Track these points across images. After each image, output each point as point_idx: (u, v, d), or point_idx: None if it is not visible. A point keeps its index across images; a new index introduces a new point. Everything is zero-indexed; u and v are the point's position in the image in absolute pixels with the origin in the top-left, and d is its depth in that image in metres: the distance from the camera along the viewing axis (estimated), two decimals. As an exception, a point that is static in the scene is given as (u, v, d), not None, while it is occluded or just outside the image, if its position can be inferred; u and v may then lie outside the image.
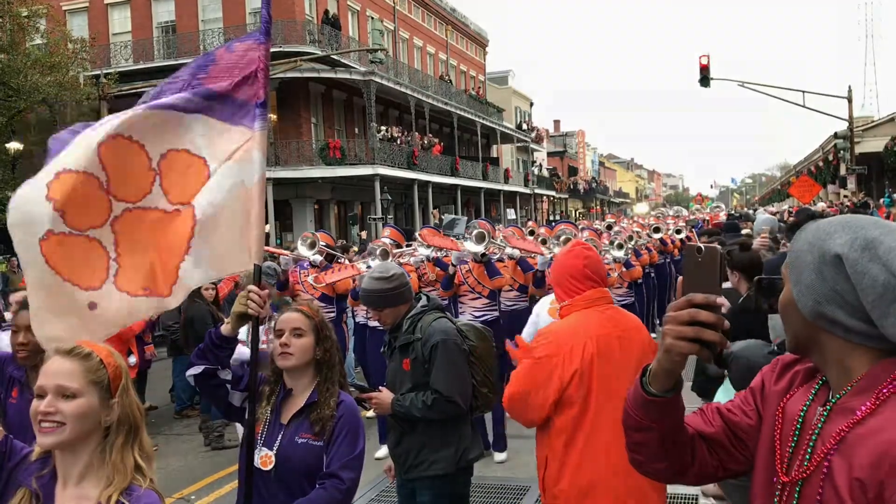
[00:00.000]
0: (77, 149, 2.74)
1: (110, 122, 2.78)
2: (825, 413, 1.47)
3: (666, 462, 1.67)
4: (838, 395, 1.47)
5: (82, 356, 2.02)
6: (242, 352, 3.75)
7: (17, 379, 3.55)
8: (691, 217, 24.87)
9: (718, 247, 1.53)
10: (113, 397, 2.03)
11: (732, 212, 32.24)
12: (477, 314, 7.37)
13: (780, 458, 1.53)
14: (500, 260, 7.79)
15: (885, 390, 1.40)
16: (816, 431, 1.47)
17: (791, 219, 12.43)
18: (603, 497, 3.17)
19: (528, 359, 3.26)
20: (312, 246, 8.18)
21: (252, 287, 2.83)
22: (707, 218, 25.29)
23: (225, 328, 2.88)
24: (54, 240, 2.63)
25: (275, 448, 2.88)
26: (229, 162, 2.80)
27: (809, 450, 1.47)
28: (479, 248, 7.34)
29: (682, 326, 1.47)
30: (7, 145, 19.94)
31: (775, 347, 3.46)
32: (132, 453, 2.02)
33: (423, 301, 3.92)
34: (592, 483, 3.17)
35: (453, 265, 7.53)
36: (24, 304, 3.88)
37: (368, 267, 7.26)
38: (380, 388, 3.86)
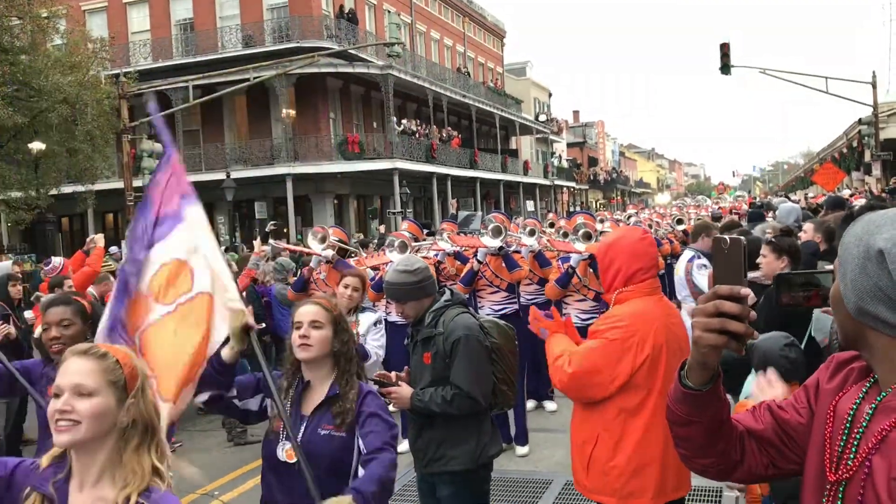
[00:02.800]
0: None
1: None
2: (870, 411, 1.45)
3: (712, 458, 1.66)
4: (884, 393, 1.45)
5: (99, 356, 2.02)
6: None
7: (52, 379, 3.60)
8: (715, 207, 24.63)
9: (742, 238, 1.52)
10: (129, 398, 2.02)
11: (756, 199, 31.91)
12: (496, 308, 7.35)
13: (829, 456, 1.51)
14: (518, 251, 7.75)
15: None
16: (861, 430, 1.45)
17: (814, 206, 12.25)
18: (653, 473, 3.36)
19: (599, 339, 3.37)
20: (323, 240, 8.15)
21: (240, 306, 2.86)
22: (729, 207, 25.04)
23: (226, 353, 2.91)
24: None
25: (298, 440, 2.89)
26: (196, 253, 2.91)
27: (854, 449, 1.44)
28: (497, 242, 7.30)
29: (708, 318, 1.46)
30: (30, 145, 20.13)
31: (794, 340, 3.40)
32: (149, 455, 2.01)
33: (447, 296, 3.91)
34: (650, 460, 3.35)
35: (478, 261, 7.50)
36: (53, 302, 3.93)
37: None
38: (399, 382, 3.86)
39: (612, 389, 3.34)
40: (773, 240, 4.83)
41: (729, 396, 2.20)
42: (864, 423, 1.44)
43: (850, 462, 1.44)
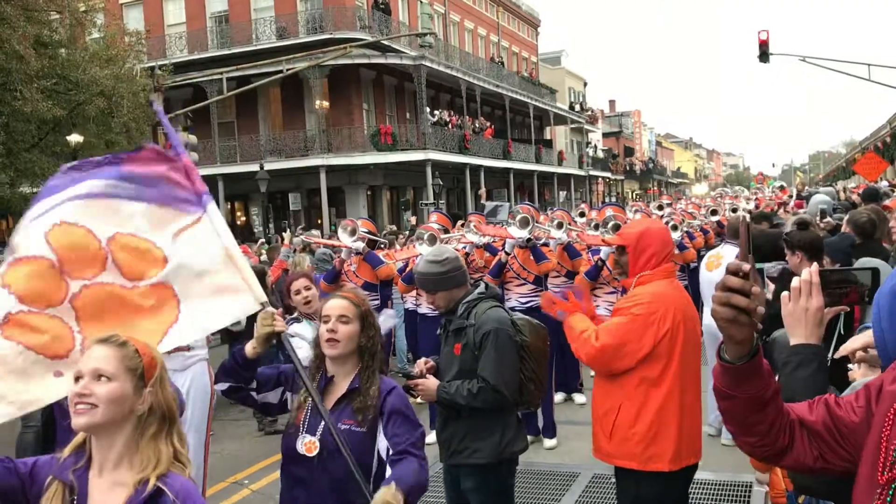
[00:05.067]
0: (25, 238, 2.72)
1: (50, 212, 2.75)
2: None
3: (755, 437, 1.68)
4: None
5: (118, 344, 2.10)
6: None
7: None
8: (752, 198, 24.21)
9: (746, 216, 1.57)
10: (147, 386, 2.09)
11: (791, 191, 31.34)
12: (523, 300, 7.31)
13: (883, 458, 1.48)
14: (546, 244, 7.70)
15: None
16: None
17: (851, 199, 11.97)
18: (671, 439, 3.67)
19: (625, 315, 3.69)
20: (353, 233, 8.18)
21: (270, 310, 2.86)
22: (769, 198, 24.60)
23: (249, 351, 2.96)
24: (14, 321, 2.59)
25: (318, 434, 2.89)
26: (178, 239, 2.79)
27: None
28: (524, 234, 7.25)
29: (719, 292, 1.54)
30: (68, 138, 20.48)
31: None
32: (168, 442, 2.08)
33: (481, 288, 3.91)
34: (668, 427, 3.66)
35: (506, 253, 7.46)
36: None
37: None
38: (427, 375, 3.85)
39: (636, 360, 3.64)
40: (785, 236, 4.71)
41: None
42: None
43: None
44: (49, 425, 7.37)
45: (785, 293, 1.99)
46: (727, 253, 6.41)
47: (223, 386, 3.08)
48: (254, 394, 3.09)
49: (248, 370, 3.02)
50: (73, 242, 2.72)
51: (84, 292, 2.71)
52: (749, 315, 1.52)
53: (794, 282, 1.96)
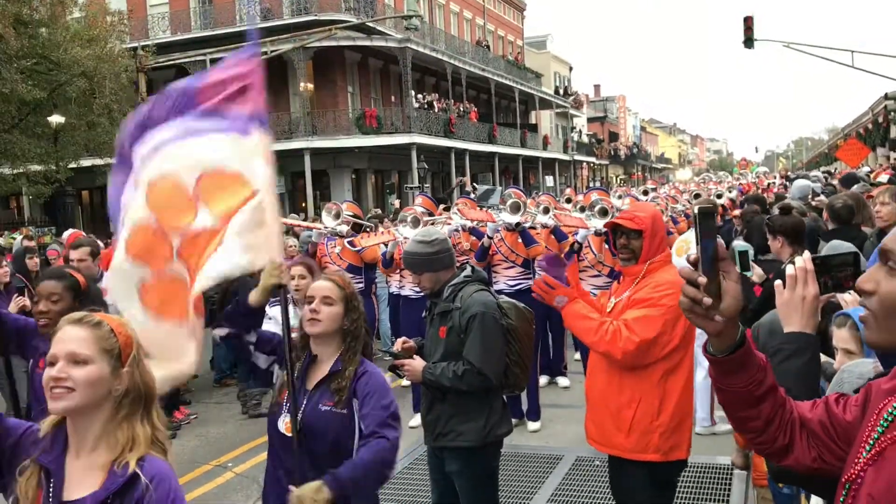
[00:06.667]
0: (129, 208, 2.87)
1: (143, 172, 2.88)
2: (890, 419, 1.41)
3: (751, 434, 1.67)
4: None
5: (93, 324, 2.04)
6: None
7: (41, 350, 3.60)
8: (736, 183, 24.38)
9: (695, 208, 1.57)
10: (124, 366, 2.04)
11: (775, 178, 31.55)
12: (511, 283, 7.32)
13: (857, 457, 1.48)
14: (533, 228, 7.71)
15: None
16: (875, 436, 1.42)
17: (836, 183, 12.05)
18: (688, 425, 3.66)
19: (657, 307, 3.50)
20: (337, 216, 8.14)
21: (279, 261, 2.85)
22: (752, 183, 24.76)
23: (252, 298, 2.95)
24: (147, 287, 2.78)
25: (299, 414, 2.91)
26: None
27: (864, 454, 1.42)
28: (516, 218, 7.25)
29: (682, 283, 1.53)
30: (49, 119, 20.22)
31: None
32: (146, 422, 2.03)
33: (468, 271, 3.90)
34: (687, 414, 3.64)
35: (489, 237, 7.47)
36: (46, 275, 3.89)
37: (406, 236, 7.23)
38: (413, 355, 3.85)
39: (666, 351, 3.53)
40: (767, 220, 4.72)
41: None
42: (879, 430, 1.42)
43: (854, 467, 1.42)
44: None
45: (778, 282, 1.97)
46: (693, 237, 6.41)
47: (223, 331, 3.08)
48: (252, 347, 3.09)
49: (248, 318, 3.03)
50: (168, 197, 2.82)
51: (184, 243, 2.81)
52: (701, 306, 1.49)
53: (790, 269, 1.93)
